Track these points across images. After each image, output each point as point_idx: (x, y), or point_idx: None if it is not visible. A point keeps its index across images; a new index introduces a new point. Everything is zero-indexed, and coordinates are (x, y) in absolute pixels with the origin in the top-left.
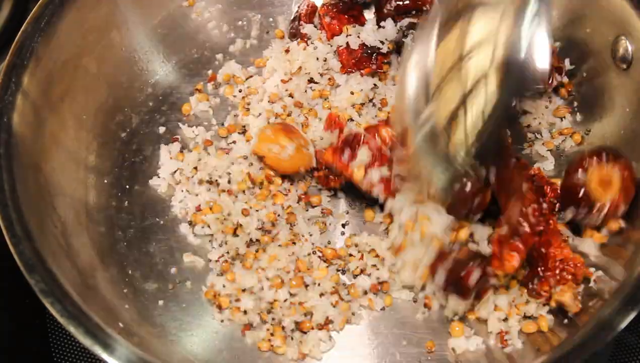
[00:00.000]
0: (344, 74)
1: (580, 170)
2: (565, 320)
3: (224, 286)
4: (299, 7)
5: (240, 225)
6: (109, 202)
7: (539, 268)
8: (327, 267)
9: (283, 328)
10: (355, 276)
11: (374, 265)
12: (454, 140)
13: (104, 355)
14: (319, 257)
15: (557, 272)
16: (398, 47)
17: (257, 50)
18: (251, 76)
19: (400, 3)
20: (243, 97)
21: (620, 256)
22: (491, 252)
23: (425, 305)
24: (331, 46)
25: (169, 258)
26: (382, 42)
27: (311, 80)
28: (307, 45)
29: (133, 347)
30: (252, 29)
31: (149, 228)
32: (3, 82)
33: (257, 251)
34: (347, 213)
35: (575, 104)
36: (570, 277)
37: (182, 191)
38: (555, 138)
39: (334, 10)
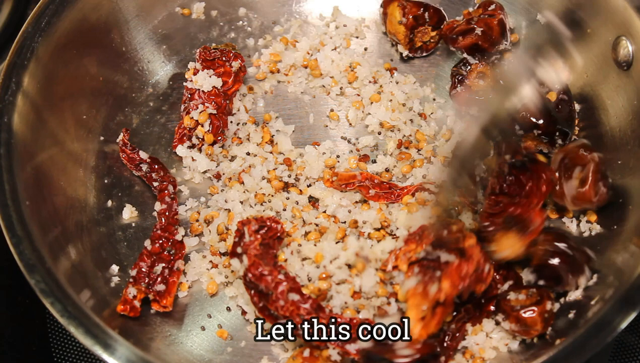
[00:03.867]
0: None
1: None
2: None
3: None
4: None
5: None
6: (109, 202)
7: None
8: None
9: None
10: None
11: None
12: None
13: (104, 355)
14: None
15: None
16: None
17: (257, 50)
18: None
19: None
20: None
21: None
22: None
23: None
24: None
25: None
26: None
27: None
28: None
29: (133, 347)
30: (252, 29)
31: (149, 228)
32: (3, 82)
33: None
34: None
35: (576, 104)
36: None
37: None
38: None
39: None
